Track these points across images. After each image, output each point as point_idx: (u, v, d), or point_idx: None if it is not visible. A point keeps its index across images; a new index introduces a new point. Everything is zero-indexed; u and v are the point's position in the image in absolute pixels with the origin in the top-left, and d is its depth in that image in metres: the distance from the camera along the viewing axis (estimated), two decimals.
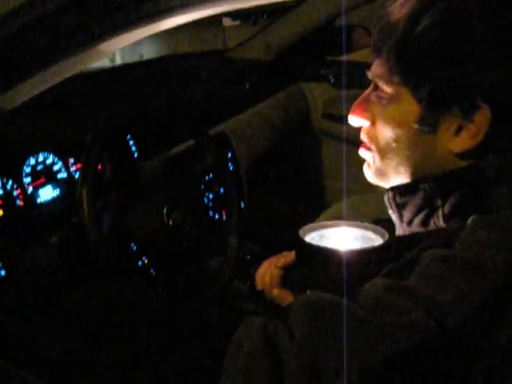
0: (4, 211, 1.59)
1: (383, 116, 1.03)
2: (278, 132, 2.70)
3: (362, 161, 1.16)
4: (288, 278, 1.23)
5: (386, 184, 1.10)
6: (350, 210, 2.54)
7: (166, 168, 1.71)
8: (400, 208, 1.06)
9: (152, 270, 1.42)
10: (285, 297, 1.21)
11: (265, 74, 2.86)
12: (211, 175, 1.72)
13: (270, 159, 2.61)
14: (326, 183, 3.06)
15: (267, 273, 1.26)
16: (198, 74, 2.64)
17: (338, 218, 2.48)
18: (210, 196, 1.68)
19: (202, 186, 1.66)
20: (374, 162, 1.09)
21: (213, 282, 1.51)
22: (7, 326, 1.18)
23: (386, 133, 1.00)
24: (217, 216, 1.70)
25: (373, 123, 1.06)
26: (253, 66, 2.87)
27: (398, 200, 1.05)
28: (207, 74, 2.67)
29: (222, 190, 1.77)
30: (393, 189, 1.07)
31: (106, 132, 1.38)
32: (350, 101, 2.95)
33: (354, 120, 1.06)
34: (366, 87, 1.12)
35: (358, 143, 1.13)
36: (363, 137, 1.10)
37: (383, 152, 1.06)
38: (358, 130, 1.14)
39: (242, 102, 2.59)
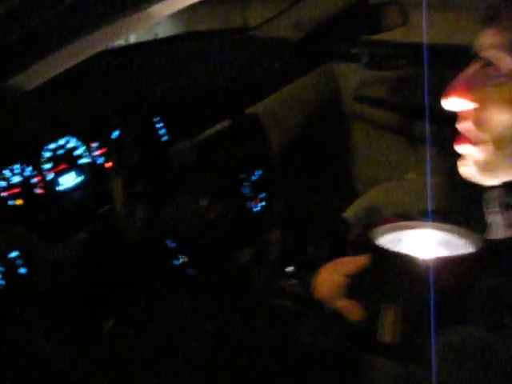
0: (23, 200, 1.44)
1: (499, 97, 0.86)
2: (309, 115, 2.54)
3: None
4: (355, 287, 1.07)
5: (494, 181, 0.94)
6: (383, 199, 2.38)
7: (199, 153, 1.55)
8: (509, 208, 0.90)
9: (190, 270, 1.27)
10: (351, 309, 1.05)
11: (294, 53, 2.68)
12: (248, 162, 1.56)
13: (299, 144, 2.45)
14: (356, 170, 2.90)
15: (329, 281, 1.10)
16: (221, 53, 2.47)
17: (372, 207, 2.33)
18: (248, 185, 1.52)
19: (240, 174, 1.50)
20: (483, 156, 0.92)
21: (254, 282, 1.36)
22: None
23: (504, 117, 0.83)
24: (256, 207, 1.54)
25: (482, 107, 0.89)
26: (281, 45, 2.69)
27: (508, 199, 0.89)
28: (230, 54, 2.50)
29: (257, 177, 1.60)
30: (506, 185, 0.90)
31: (138, 114, 1.22)
32: (384, 83, 2.77)
33: (456, 103, 0.89)
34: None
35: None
36: (466, 127, 0.92)
37: (499, 141, 0.88)
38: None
39: (271, 82, 2.42)
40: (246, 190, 1.48)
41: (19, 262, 1.30)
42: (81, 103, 1.57)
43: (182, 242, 1.27)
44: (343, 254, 1.15)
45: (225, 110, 1.77)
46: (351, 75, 2.85)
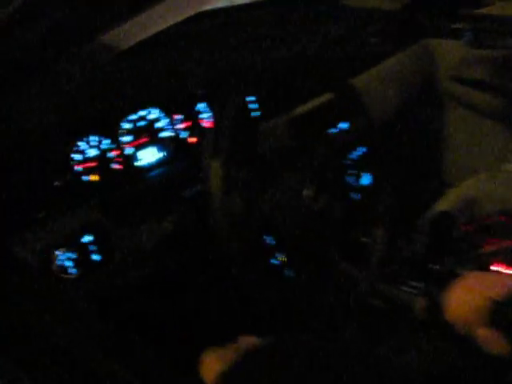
0: (99, 176, 1.28)
1: None
2: (404, 93, 2.30)
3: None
4: (502, 314, 0.86)
5: None
6: (482, 191, 2.13)
7: (296, 131, 1.35)
8: None
9: (288, 271, 1.08)
10: (494, 340, 0.85)
11: (389, 26, 2.43)
12: (351, 142, 1.35)
13: (395, 125, 2.21)
14: (448, 156, 2.64)
15: (470, 302, 0.89)
16: (313, 23, 2.24)
17: (471, 200, 2.08)
18: (353, 171, 1.30)
19: (344, 158, 1.29)
20: None
21: (356, 287, 1.17)
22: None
23: None
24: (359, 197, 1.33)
25: None
26: (375, 17, 2.45)
27: None
28: (323, 24, 2.27)
29: (361, 159, 1.39)
30: None
31: (233, 87, 1.03)
32: (487, 63, 2.48)
33: None
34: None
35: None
36: None
37: None
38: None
39: (365, 56, 2.19)
40: (351, 178, 1.27)
41: (92, 247, 1.14)
42: (167, 71, 1.39)
43: (281, 237, 1.08)
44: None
45: (322, 83, 1.55)
46: (450, 52, 2.56)
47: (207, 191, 0.96)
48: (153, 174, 1.37)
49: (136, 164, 1.36)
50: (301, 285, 1.09)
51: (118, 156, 1.32)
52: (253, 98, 1.50)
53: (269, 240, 1.06)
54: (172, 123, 1.43)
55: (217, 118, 1.01)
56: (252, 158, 1.20)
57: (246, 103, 1.50)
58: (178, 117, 1.45)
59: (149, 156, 1.39)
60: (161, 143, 1.41)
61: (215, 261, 1.01)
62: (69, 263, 1.10)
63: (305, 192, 1.10)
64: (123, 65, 1.32)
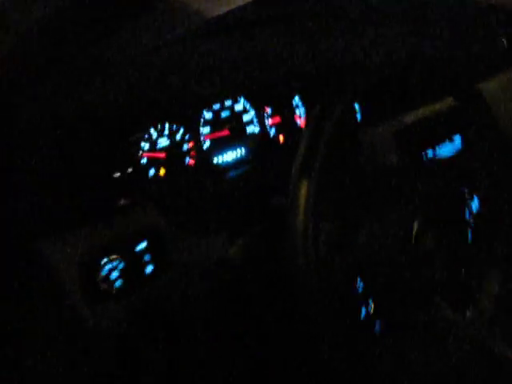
0: (167, 171, 1.09)
1: None
2: None
3: None
4: None
5: None
6: None
7: (407, 145, 1.10)
8: None
9: (378, 325, 0.85)
10: None
11: None
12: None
13: None
14: None
15: None
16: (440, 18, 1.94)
17: None
18: (474, 203, 1.04)
19: (463, 182, 1.02)
20: None
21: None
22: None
23: None
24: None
25: None
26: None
27: None
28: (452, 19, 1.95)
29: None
30: None
31: (345, 85, 0.80)
32: None
33: None
34: None
35: None
36: None
37: None
38: None
39: (498, 57, 1.86)
40: (471, 208, 1.01)
41: (147, 257, 0.95)
42: (255, 57, 1.18)
43: (375, 281, 0.84)
44: None
45: (441, 86, 1.29)
46: None
47: (289, 220, 0.74)
48: (231, 174, 1.17)
49: (213, 161, 1.16)
50: (392, 341, 0.85)
51: (192, 149, 1.13)
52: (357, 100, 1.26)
53: (360, 285, 0.83)
54: (259, 117, 1.22)
55: (312, 121, 0.78)
56: (349, 177, 0.97)
57: (353, 106, 1.26)
58: (267, 110, 1.23)
59: (229, 153, 1.19)
60: (244, 139, 1.20)
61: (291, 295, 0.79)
62: (115, 274, 0.92)
63: (411, 226, 0.86)
64: (210, 47, 1.13)
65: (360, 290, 0.83)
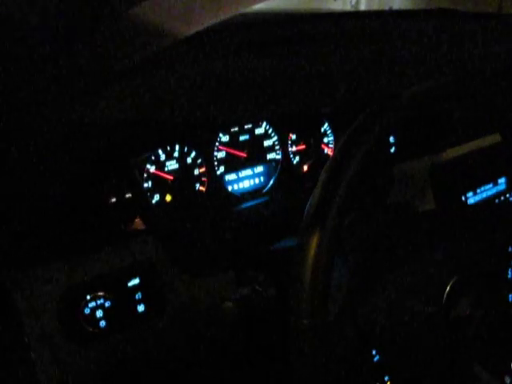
0: (173, 197, 0.98)
1: None
2: None
3: None
4: None
5: None
6: None
7: (446, 186, 0.97)
8: None
9: None
10: None
11: None
12: None
13: None
14: None
15: None
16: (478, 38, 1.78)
17: None
18: None
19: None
20: None
21: None
22: None
23: None
24: None
25: None
26: None
27: None
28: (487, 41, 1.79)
29: None
30: None
31: (381, 112, 0.67)
32: None
33: None
34: None
35: None
36: None
37: None
38: None
39: None
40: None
41: (138, 295, 0.84)
42: (289, 75, 1.06)
43: (394, 353, 0.71)
44: None
45: (486, 119, 1.16)
46: None
47: (294, 272, 0.62)
48: (246, 205, 1.05)
49: (227, 188, 1.05)
50: None
51: (204, 174, 1.02)
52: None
53: (376, 357, 0.70)
54: (282, 143, 1.10)
55: (337, 153, 0.66)
56: (374, 222, 0.84)
57: (387, 138, 1.13)
58: (292, 136, 1.12)
59: (245, 180, 1.07)
60: (264, 166, 1.09)
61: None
62: (100, 313, 0.81)
63: (443, 286, 0.73)
64: (232, 65, 1.01)
65: (374, 362, 0.69)
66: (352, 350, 0.65)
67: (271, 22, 1.02)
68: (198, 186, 1.02)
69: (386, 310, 0.68)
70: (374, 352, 0.68)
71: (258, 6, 0.66)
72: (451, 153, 1.14)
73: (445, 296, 0.72)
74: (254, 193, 1.08)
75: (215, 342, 0.91)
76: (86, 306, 0.80)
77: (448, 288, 0.73)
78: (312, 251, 0.60)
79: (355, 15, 1.38)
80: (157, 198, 0.97)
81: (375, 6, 3.96)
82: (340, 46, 1.10)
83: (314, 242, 0.61)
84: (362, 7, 3.94)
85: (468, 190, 1.10)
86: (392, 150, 1.11)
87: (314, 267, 0.60)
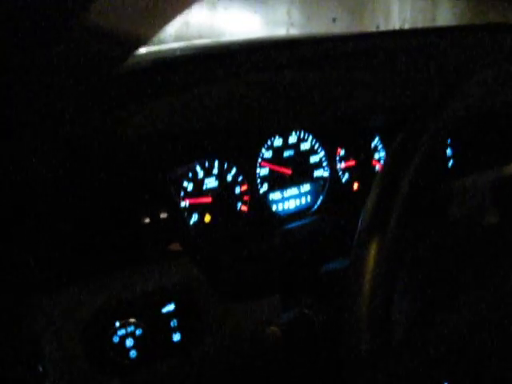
0: (213, 217, 0.91)
1: None
2: None
3: None
4: None
5: None
6: None
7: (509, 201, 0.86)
8: None
9: None
10: None
11: None
12: None
13: None
14: None
15: None
16: None
17: None
18: None
19: None
20: None
21: None
22: None
23: None
24: None
25: None
26: None
27: None
28: None
29: None
30: None
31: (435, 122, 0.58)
32: None
33: None
34: None
35: None
36: None
37: None
38: None
39: None
40: None
41: (173, 322, 0.76)
42: (334, 90, 0.98)
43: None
44: None
45: None
46: None
47: (350, 289, 0.53)
48: (292, 225, 0.97)
49: (271, 208, 0.96)
50: None
51: (246, 193, 0.94)
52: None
53: None
54: (330, 159, 1.02)
55: (390, 160, 0.57)
56: (435, 239, 0.74)
57: (444, 148, 1.04)
58: (340, 152, 1.03)
59: (290, 200, 0.99)
60: (310, 184, 1.00)
61: None
62: (130, 342, 0.73)
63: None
64: (277, 75, 0.94)
65: None
66: (420, 381, 0.55)
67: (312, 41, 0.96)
68: (239, 205, 0.94)
69: (459, 332, 0.58)
70: None
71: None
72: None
73: None
74: (300, 213, 1.00)
75: (259, 373, 0.82)
76: (115, 333, 0.73)
77: None
78: (370, 265, 0.51)
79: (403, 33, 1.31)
80: (195, 218, 0.90)
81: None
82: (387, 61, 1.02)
83: (372, 254, 0.52)
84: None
85: None
86: (450, 163, 1.02)
87: (373, 283, 0.51)
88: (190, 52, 1.14)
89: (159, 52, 0.98)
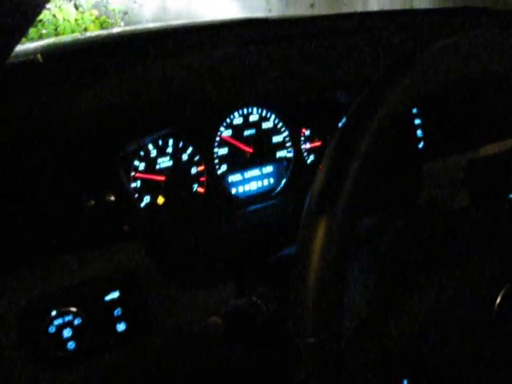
0: (167, 199, 0.85)
1: None
2: None
3: None
4: None
5: None
6: None
7: (485, 187, 0.81)
8: None
9: None
10: None
11: None
12: None
13: None
14: None
15: None
16: None
17: None
18: None
19: None
20: None
21: None
22: None
23: None
24: None
25: None
26: None
27: None
28: None
29: None
30: None
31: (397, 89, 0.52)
32: None
33: None
34: None
35: None
36: None
37: None
38: None
39: None
40: None
41: (117, 311, 0.70)
42: (300, 63, 0.92)
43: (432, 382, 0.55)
44: None
45: None
46: None
47: (296, 277, 0.47)
48: (251, 208, 0.91)
49: (229, 190, 0.91)
50: None
51: (203, 173, 0.88)
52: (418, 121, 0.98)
53: None
54: (294, 140, 0.96)
55: (348, 125, 0.51)
56: (403, 223, 0.69)
57: (411, 122, 0.98)
58: (305, 132, 0.97)
59: (251, 182, 0.93)
60: (273, 165, 0.95)
61: None
62: (68, 332, 0.67)
63: (491, 296, 0.57)
64: (237, 50, 0.88)
65: None
66: (376, 378, 0.50)
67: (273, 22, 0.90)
68: (195, 186, 0.88)
69: (422, 325, 0.53)
70: (405, 382, 0.53)
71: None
72: (490, 148, 0.98)
73: (496, 308, 0.57)
74: (261, 196, 0.94)
75: (206, 365, 0.76)
76: (51, 323, 0.66)
77: (499, 298, 0.57)
78: (317, 245, 0.46)
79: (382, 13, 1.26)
80: (147, 200, 0.84)
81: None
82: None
83: (319, 233, 0.46)
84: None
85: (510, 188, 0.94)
86: (420, 145, 0.96)
87: (321, 265, 0.46)
88: (149, 30, 1.08)
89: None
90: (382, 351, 0.51)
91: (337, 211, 0.47)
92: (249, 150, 0.93)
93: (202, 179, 0.89)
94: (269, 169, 0.95)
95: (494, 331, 0.57)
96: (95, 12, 5.27)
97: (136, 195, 0.83)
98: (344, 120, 0.51)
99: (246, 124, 0.92)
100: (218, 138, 0.90)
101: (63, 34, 4.76)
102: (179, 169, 0.87)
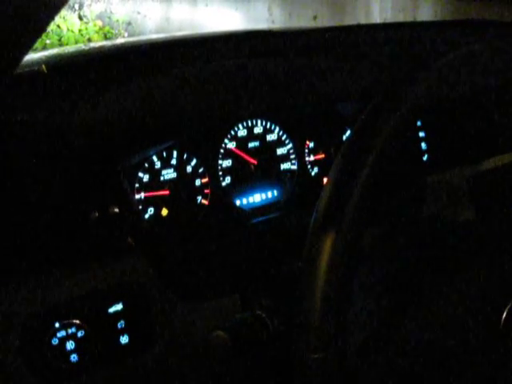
0: (170, 211, 0.85)
1: None
2: None
3: None
4: None
5: None
6: None
7: (487, 199, 0.81)
8: None
9: None
10: None
11: None
12: None
13: None
14: None
15: None
16: None
17: None
18: None
19: None
20: None
21: None
22: None
23: None
24: None
25: None
26: None
27: None
28: None
29: None
30: None
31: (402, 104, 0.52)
32: None
33: None
34: None
35: None
36: None
37: None
38: None
39: None
40: None
41: (121, 324, 0.70)
42: (304, 77, 0.92)
43: None
44: None
45: None
46: None
47: (302, 292, 0.47)
48: (255, 220, 0.91)
49: (234, 202, 0.91)
50: None
51: (207, 186, 0.88)
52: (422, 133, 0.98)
53: None
54: (298, 152, 0.96)
55: (355, 139, 0.51)
56: (406, 236, 0.69)
57: (416, 135, 0.98)
58: (309, 144, 0.98)
59: (255, 194, 0.93)
60: (277, 178, 0.95)
61: None
62: (71, 345, 0.67)
63: (498, 311, 0.57)
64: (243, 62, 0.88)
65: None
66: None
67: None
68: (199, 198, 0.88)
69: (427, 340, 0.53)
70: None
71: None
72: (494, 162, 0.98)
73: (502, 322, 0.56)
74: (265, 208, 0.94)
75: (210, 378, 0.76)
76: (54, 335, 0.66)
77: (505, 313, 0.57)
78: (323, 259, 0.45)
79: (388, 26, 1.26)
80: (151, 211, 0.84)
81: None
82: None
83: (326, 247, 0.46)
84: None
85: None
86: (425, 157, 0.96)
87: (327, 280, 0.45)
88: (153, 42, 1.09)
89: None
90: (387, 366, 0.50)
91: (343, 226, 0.46)
92: (253, 162, 0.93)
93: (207, 191, 0.89)
94: (273, 181, 0.95)
95: (501, 345, 0.57)
96: (99, 22, 5.29)
97: (140, 207, 0.83)
98: (350, 134, 0.51)
99: (251, 136, 0.93)
100: (222, 150, 0.90)
101: (67, 44, 4.78)
102: (183, 181, 0.87)
